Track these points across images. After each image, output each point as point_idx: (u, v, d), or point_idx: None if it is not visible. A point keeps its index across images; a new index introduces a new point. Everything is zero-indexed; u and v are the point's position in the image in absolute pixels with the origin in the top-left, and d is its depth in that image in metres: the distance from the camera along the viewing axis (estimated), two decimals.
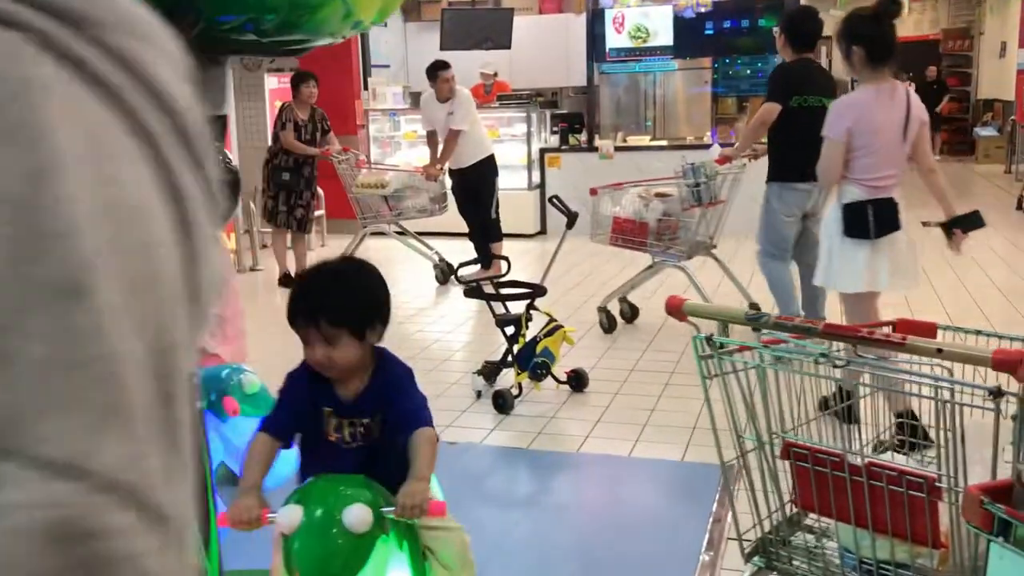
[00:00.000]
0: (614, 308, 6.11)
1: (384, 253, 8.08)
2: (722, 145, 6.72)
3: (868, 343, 1.53)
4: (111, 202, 0.35)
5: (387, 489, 1.74)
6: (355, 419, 1.85)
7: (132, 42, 0.38)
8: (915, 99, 3.81)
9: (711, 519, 3.36)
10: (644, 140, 10.28)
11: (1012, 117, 14.49)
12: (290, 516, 1.60)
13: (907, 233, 3.74)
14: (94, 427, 0.32)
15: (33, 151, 0.33)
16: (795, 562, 1.90)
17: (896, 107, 3.71)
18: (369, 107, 10.28)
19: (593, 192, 6.13)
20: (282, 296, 7.42)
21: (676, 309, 1.73)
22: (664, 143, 10.17)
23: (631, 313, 6.17)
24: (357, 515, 1.59)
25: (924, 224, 3.96)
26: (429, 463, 1.78)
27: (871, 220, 3.63)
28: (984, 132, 16.09)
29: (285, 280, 7.56)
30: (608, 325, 6.02)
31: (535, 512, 3.61)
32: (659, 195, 5.95)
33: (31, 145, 0.33)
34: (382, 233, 7.96)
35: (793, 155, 4.93)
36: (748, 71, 10.67)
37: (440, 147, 7.55)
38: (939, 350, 1.44)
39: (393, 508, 1.68)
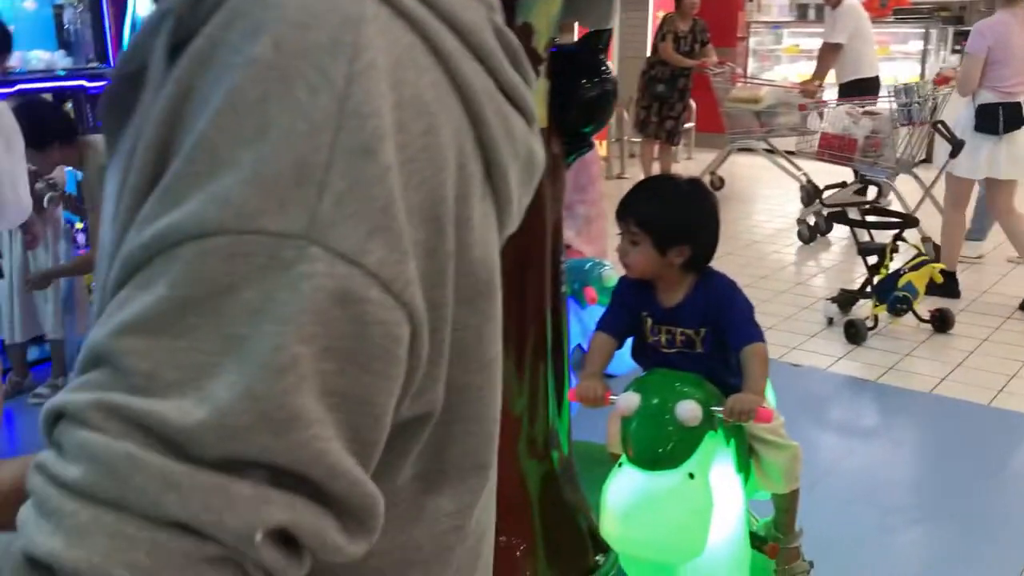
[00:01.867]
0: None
1: (750, 170, 7.99)
2: None
3: None
4: (404, 97, 0.49)
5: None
6: (672, 327, 1.96)
7: None
8: None
9: None
10: None
11: None
12: (629, 401, 1.80)
13: None
14: (369, 236, 0.47)
15: (352, 62, 0.47)
16: None
17: None
18: (752, 19, 10.03)
19: (802, 108, 6.66)
20: None
21: None
22: None
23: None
24: (688, 409, 1.74)
25: None
26: (761, 378, 1.84)
27: (1001, 119, 4.76)
28: None
29: None
30: (809, 236, 6.15)
31: (872, 445, 3.55)
32: (867, 113, 6.17)
33: (352, 56, 0.47)
34: (750, 149, 7.86)
35: None
36: None
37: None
38: None
39: (722, 408, 1.81)
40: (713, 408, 1.79)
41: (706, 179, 7.91)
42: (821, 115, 6.48)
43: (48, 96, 4.07)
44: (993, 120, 4.79)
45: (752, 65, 9.81)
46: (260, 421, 0.45)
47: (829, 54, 6.86)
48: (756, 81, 8.50)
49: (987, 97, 4.84)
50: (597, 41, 2.12)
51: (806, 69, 9.47)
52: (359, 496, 0.48)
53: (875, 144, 6.12)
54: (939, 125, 5.08)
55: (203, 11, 0.50)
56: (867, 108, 6.26)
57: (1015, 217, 5.04)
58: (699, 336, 1.92)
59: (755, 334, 1.87)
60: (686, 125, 8.25)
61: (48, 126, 3.28)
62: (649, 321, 1.97)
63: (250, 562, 0.46)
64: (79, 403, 0.46)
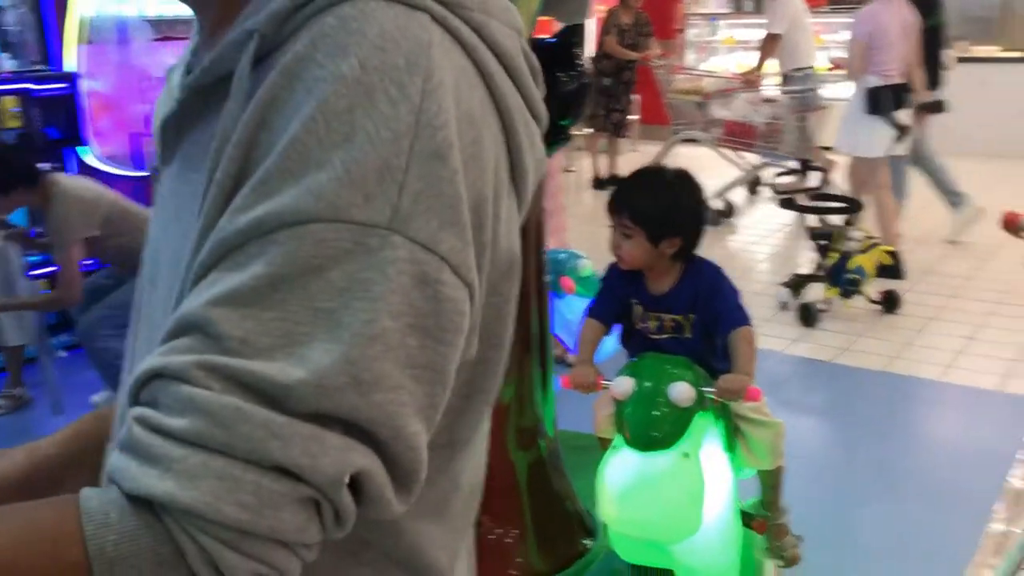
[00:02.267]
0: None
1: (695, 161, 8.11)
2: None
3: None
4: (462, 111, 0.57)
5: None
6: (662, 313, 2.02)
7: (482, 16, 0.61)
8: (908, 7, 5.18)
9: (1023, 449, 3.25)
10: (993, 51, 9.33)
11: None
12: (623, 385, 1.85)
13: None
14: (441, 228, 0.55)
15: (426, 80, 0.55)
16: None
17: (898, 14, 5.14)
18: (690, 11, 10.18)
19: (707, 96, 7.05)
20: (593, 196, 7.76)
21: (1013, 224, 1.74)
22: (1017, 55, 9.18)
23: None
24: (681, 390, 1.80)
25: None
26: (750, 359, 1.90)
27: (884, 100, 5.12)
28: None
29: (598, 182, 7.86)
30: (715, 220, 6.33)
31: (831, 423, 3.67)
32: (767, 100, 6.68)
33: (425, 75, 0.56)
34: (694, 140, 7.98)
35: None
36: None
37: None
38: None
39: (712, 389, 1.86)
40: (704, 389, 1.85)
41: None
42: (725, 104, 6.94)
43: (9, 140, 4.02)
44: (880, 102, 5.18)
45: (691, 57, 9.96)
46: (352, 382, 0.52)
47: (769, 44, 7.02)
48: (695, 72, 8.64)
49: (872, 81, 5.21)
50: (572, 35, 2.16)
51: (743, 60, 9.67)
52: (411, 460, 0.56)
53: (775, 130, 6.56)
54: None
55: (286, 31, 0.58)
56: (767, 96, 6.72)
57: (886, 191, 5.34)
58: (688, 321, 1.97)
59: (743, 318, 1.93)
60: (630, 117, 8.35)
61: (12, 171, 3.21)
62: (639, 308, 2.01)
63: (327, 506, 0.53)
64: (180, 364, 0.52)
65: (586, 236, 5.59)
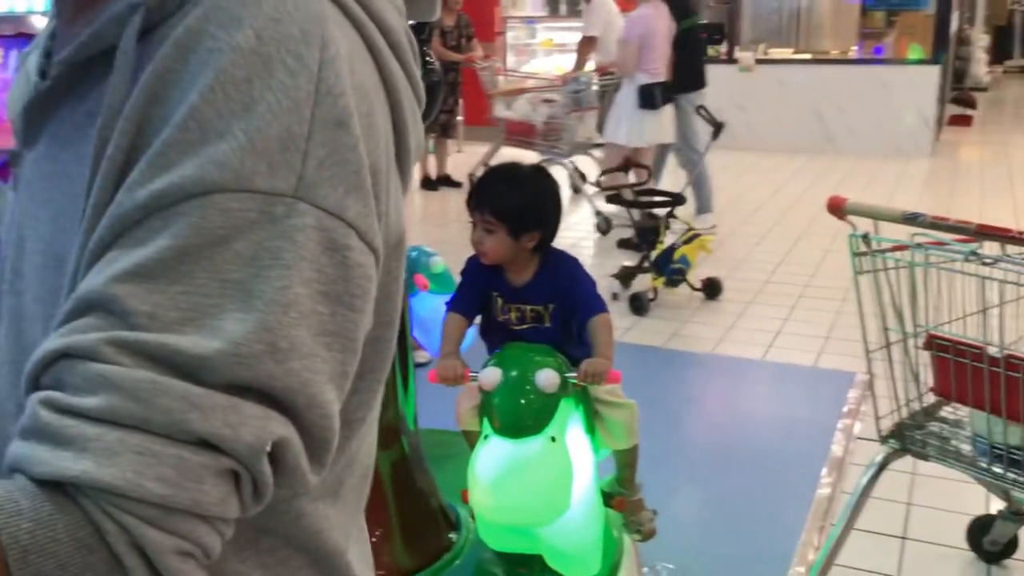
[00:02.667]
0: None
1: (521, 160, 8.28)
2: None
3: (1017, 242, 1.67)
4: (356, 83, 0.58)
5: None
6: (522, 305, 2.08)
7: None
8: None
9: (843, 418, 3.54)
10: (787, 53, 10.06)
11: None
12: (491, 376, 1.88)
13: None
14: (346, 194, 0.56)
15: (323, 50, 0.56)
16: (928, 448, 2.08)
17: (663, 18, 5.85)
18: (508, 14, 10.38)
19: (490, 97, 7.63)
20: (422, 196, 7.77)
21: (837, 208, 1.90)
22: (807, 56, 9.94)
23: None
24: (547, 377, 1.85)
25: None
26: (608, 344, 1.99)
27: (657, 96, 5.80)
28: None
29: (427, 182, 7.87)
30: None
31: (669, 403, 3.85)
32: (545, 101, 7.23)
33: (322, 45, 0.56)
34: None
35: None
36: None
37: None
38: None
39: (575, 374, 1.93)
40: (568, 374, 1.91)
41: (480, 171, 8.14)
42: (508, 104, 7.43)
43: None
44: (651, 97, 5.84)
45: (511, 59, 10.16)
46: (268, 350, 0.52)
47: (585, 47, 7.31)
48: (518, 74, 8.83)
49: (643, 79, 5.85)
50: (420, 33, 2.17)
51: (561, 62, 9.95)
52: (324, 429, 0.57)
53: (554, 128, 7.05)
54: (701, 109, 5.52)
55: (172, 5, 0.57)
56: (544, 96, 7.27)
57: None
58: (548, 311, 2.03)
59: (601, 306, 2.01)
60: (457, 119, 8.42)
61: None
62: (500, 301, 2.05)
63: (247, 478, 0.53)
64: (87, 342, 0.51)
65: (420, 236, 5.60)
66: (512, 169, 2.11)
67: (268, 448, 0.53)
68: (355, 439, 0.69)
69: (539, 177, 2.10)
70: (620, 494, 2.18)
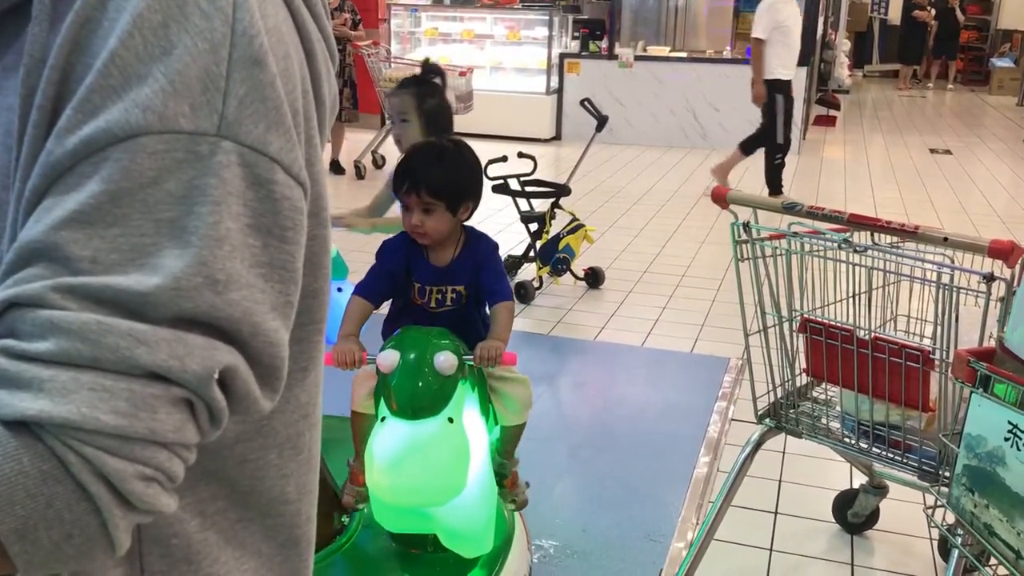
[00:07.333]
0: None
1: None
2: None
3: (885, 231, 1.80)
4: (270, 26, 0.60)
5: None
6: (443, 286, 2.09)
7: None
8: None
9: (718, 401, 3.70)
10: (664, 51, 10.35)
11: None
12: (389, 358, 1.89)
13: None
14: (268, 130, 0.58)
15: None
16: (801, 426, 2.21)
17: None
18: (391, 1, 10.29)
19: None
20: None
21: (721, 198, 1.99)
22: (683, 55, 10.25)
23: None
24: (446, 359, 1.87)
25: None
26: (506, 328, 2.04)
27: None
28: (1000, 63, 16.06)
29: None
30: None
31: (555, 388, 3.94)
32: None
33: None
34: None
35: None
36: None
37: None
38: (945, 239, 1.71)
39: (472, 356, 1.96)
40: (464, 357, 1.94)
41: (368, 158, 8.08)
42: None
43: None
44: None
45: (395, 47, 10.08)
46: (207, 282, 0.55)
47: None
48: (404, 62, 8.77)
49: None
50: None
51: (445, 51, 9.94)
52: (271, 356, 0.60)
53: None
54: (585, 102, 5.63)
55: None
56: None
57: None
58: (467, 293, 2.06)
59: (511, 292, 2.07)
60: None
61: None
62: (417, 285, 2.07)
63: (201, 405, 0.56)
64: (33, 290, 0.53)
65: None
66: (435, 147, 2.12)
67: (216, 376, 0.56)
68: (302, 389, 0.72)
69: (461, 149, 2.13)
70: (500, 465, 2.23)
